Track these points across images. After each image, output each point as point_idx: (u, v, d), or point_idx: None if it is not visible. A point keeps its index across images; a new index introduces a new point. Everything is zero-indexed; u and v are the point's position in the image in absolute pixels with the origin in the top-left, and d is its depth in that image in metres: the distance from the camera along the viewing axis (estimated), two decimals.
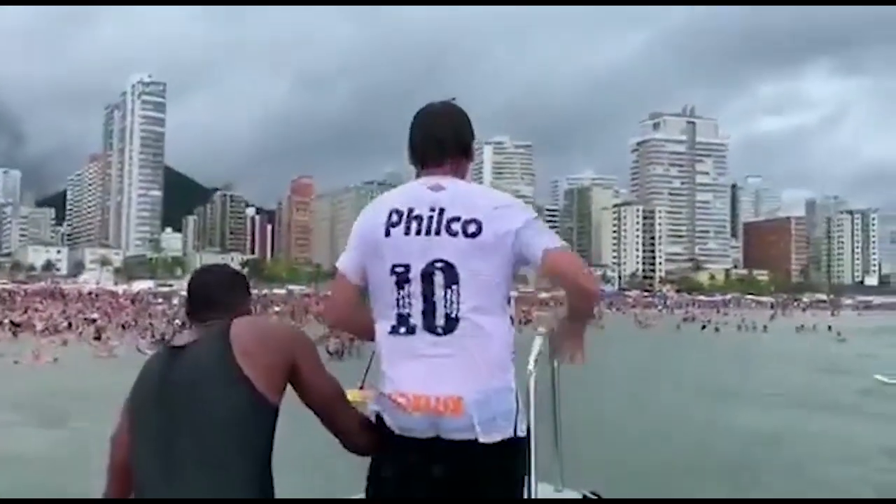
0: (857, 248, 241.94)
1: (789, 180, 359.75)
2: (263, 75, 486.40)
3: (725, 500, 9.01)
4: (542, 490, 2.16)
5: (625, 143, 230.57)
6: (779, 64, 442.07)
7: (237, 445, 1.83)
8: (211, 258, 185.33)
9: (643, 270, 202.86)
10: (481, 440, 1.92)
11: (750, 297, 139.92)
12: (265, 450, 1.88)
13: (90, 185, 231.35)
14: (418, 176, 2.12)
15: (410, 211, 2.00)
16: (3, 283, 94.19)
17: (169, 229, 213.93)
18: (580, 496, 2.63)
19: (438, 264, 1.96)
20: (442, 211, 1.98)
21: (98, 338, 36.99)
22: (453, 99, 2.26)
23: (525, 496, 2.04)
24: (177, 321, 44.87)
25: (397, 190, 2.12)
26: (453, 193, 2.01)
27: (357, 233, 2.08)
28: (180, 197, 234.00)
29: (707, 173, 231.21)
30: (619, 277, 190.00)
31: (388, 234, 1.99)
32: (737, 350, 38.70)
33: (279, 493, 1.90)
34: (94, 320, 47.92)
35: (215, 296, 2.08)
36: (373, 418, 2.05)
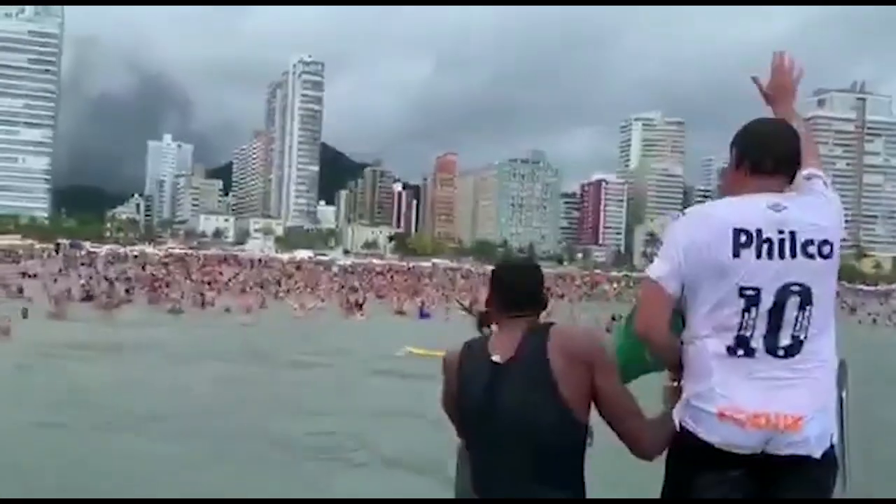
0: None
1: None
2: (409, 57, 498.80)
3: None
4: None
5: None
6: None
7: (566, 461, 2.08)
8: (361, 231, 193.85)
9: None
10: (815, 455, 1.96)
11: None
12: (582, 461, 2.12)
13: (254, 159, 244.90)
14: (737, 180, 2.14)
15: (759, 233, 1.98)
16: (181, 248, 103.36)
17: (322, 202, 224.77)
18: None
19: (794, 287, 1.97)
20: (793, 234, 1.99)
21: (282, 298, 42.15)
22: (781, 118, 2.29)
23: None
24: (343, 289, 50.06)
25: (730, 206, 2.07)
26: (798, 214, 2.01)
27: (684, 246, 2.03)
28: (333, 171, 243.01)
29: (877, 154, 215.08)
30: None
31: (737, 255, 1.98)
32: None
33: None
34: (278, 282, 53.73)
35: (531, 295, 2.22)
36: (676, 426, 2.08)
